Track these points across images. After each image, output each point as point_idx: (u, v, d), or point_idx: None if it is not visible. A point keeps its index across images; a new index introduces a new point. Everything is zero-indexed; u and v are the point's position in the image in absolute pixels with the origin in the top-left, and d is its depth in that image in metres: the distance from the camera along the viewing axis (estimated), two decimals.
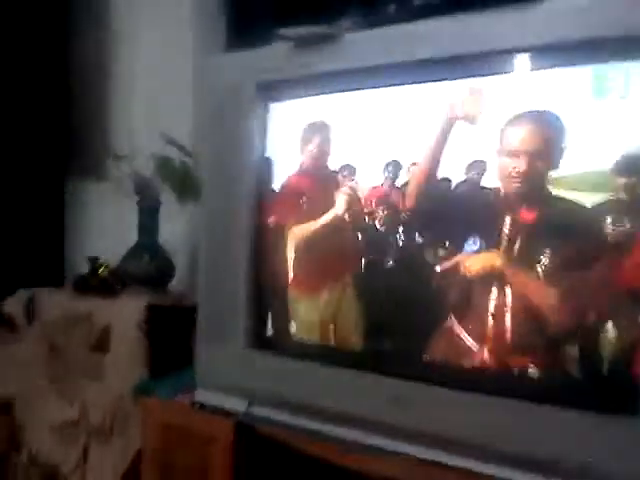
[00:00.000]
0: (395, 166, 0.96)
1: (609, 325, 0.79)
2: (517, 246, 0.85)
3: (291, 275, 1.06)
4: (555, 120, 0.83)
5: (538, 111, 0.85)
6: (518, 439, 0.83)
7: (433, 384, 0.90)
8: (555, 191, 0.83)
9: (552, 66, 0.84)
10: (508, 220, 0.86)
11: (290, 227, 1.05)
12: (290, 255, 1.06)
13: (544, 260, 0.83)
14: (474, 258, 0.88)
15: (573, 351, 0.82)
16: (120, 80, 1.85)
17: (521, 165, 0.85)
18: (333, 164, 1.02)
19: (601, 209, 0.80)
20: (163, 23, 1.73)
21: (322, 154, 1.02)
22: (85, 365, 1.35)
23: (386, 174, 0.97)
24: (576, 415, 0.79)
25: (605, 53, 0.79)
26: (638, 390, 0.75)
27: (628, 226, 0.78)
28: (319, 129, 1.03)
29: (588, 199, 0.81)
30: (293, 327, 1.06)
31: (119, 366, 1.30)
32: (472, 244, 0.88)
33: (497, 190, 0.87)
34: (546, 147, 0.84)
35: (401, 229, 0.96)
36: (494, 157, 0.87)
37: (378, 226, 0.99)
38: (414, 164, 0.94)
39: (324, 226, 1.02)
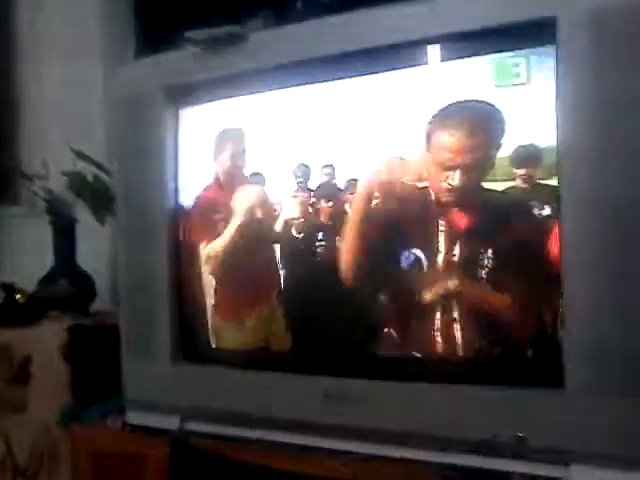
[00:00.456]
0: (305, 169, 0.94)
1: (534, 304, 0.81)
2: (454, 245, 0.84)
3: (212, 296, 1.04)
4: (486, 110, 0.82)
5: (463, 103, 0.83)
6: (453, 423, 0.83)
7: (365, 378, 0.90)
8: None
9: (456, 57, 0.85)
10: (442, 223, 0.84)
11: (205, 243, 1.03)
12: (208, 272, 1.03)
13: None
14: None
15: (503, 331, 0.83)
16: (28, 97, 1.78)
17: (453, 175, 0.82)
18: (243, 172, 1.00)
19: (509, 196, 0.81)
20: (70, 35, 1.67)
21: (233, 162, 1.00)
22: (6, 399, 1.28)
23: (298, 178, 0.95)
24: (509, 392, 0.80)
25: (505, 41, 0.81)
26: (563, 364, 0.76)
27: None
28: (229, 136, 1.00)
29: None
30: (219, 339, 1.04)
31: (42, 396, 1.23)
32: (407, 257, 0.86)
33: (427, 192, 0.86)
34: (478, 149, 0.82)
35: (321, 234, 0.95)
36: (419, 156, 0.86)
37: (295, 234, 0.97)
38: (327, 166, 0.93)
39: (236, 239, 0.99)
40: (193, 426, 1.04)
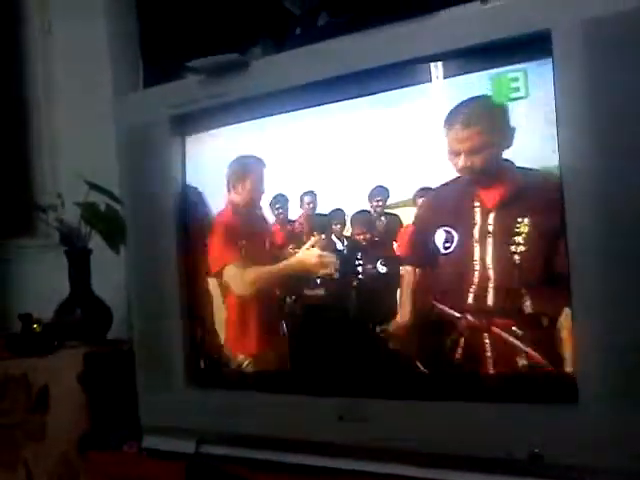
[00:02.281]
0: (312, 195, 0.95)
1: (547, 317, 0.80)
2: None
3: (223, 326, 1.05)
4: (489, 102, 0.83)
5: (467, 101, 0.84)
6: (468, 441, 0.83)
7: (378, 398, 0.90)
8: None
9: (454, 74, 0.86)
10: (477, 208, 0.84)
11: (216, 270, 1.04)
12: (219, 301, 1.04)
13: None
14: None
15: (512, 345, 0.82)
16: (41, 130, 1.81)
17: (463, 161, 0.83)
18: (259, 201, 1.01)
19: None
20: (82, 67, 1.71)
21: (251, 191, 1.01)
22: (25, 428, 1.29)
23: (305, 204, 0.96)
24: (523, 409, 0.80)
25: (502, 56, 0.82)
26: (576, 380, 0.76)
27: None
28: (249, 164, 1.01)
29: None
30: (233, 362, 1.04)
31: (61, 424, 1.24)
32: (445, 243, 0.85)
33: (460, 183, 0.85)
34: (493, 129, 0.83)
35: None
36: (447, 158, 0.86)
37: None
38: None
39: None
40: (209, 449, 1.04)
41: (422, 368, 0.88)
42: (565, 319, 0.78)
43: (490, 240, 0.82)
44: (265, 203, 1.00)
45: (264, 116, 0.99)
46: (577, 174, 0.76)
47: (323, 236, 0.95)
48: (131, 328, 1.16)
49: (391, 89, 0.90)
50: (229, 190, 1.02)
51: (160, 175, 1.06)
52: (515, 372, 0.82)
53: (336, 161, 0.93)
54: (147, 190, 1.08)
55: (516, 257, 0.81)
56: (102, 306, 1.49)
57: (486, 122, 0.84)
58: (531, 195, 0.81)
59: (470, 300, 0.84)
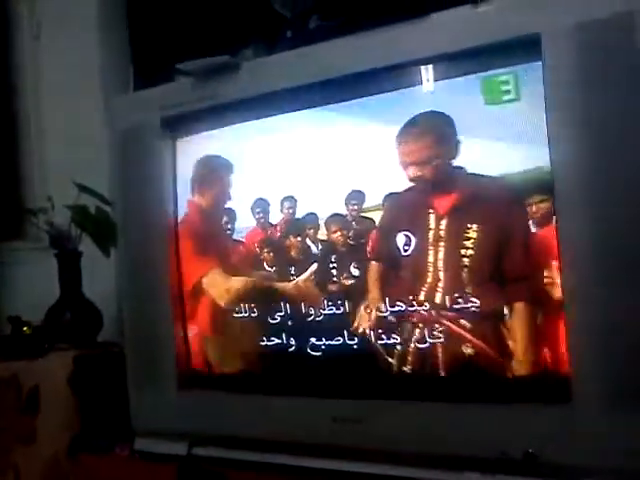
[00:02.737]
0: (291, 200, 0.96)
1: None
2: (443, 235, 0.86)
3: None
4: (438, 118, 0.85)
5: (424, 114, 0.87)
6: (462, 441, 0.83)
7: (372, 399, 0.90)
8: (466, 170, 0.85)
9: (445, 77, 0.87)
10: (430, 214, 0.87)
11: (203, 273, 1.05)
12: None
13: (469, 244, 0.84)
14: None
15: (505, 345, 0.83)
16: (30, 133, 1.81)
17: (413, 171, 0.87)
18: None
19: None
20: (72, 69, 1.70)
21: (220, 193, 1.02)
22: (15, 430, 1.28)
23: (285, 209, 0.97)
24: (517, 409, 0.80)
25: (493, 59, 0.82)
26: (569, 379, 0.76)
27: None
28: (218, 166, 1.02)
29: None
30: (223, 364, 1.04)
31: (51, 426, 1.24)
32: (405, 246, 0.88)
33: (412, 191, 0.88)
34: (441, 141, 0.86)
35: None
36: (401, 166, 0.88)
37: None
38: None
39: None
40: (201, 451, 1.04)
41: (409, 369, 0.89)
42: (517, 316, 0.80)
43: (442, 244, 0.86)
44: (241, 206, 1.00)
45: (255, 118, 0.99)
46: (568, 175, 0.77)
47: (299, 238, 0.97)
48: (122, 330, 1.15)
49: (382, 92, 0.90)
50: (194, 193, 1.03)
51: (151, 177, 1.06)
52: (507, 370, 0.83)
53: (323, 165, 0.94)
54: (138, 192, 1.07)
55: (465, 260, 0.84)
56: (92, 309, 1.48)
57: (433, 136, 0.87)
58: (482, 200, 0.84)
59: (434, 299, 0.86)
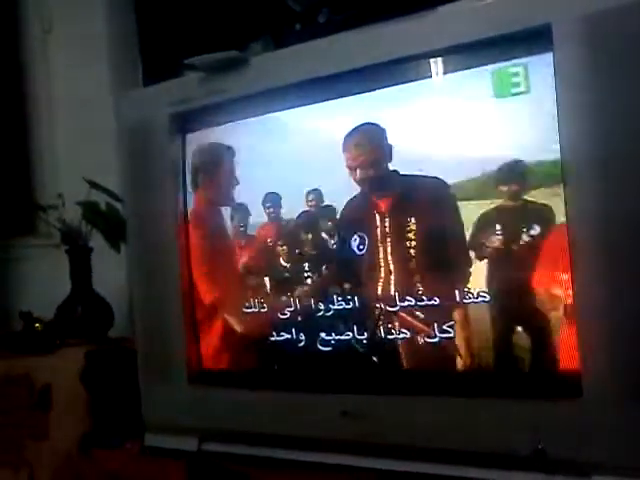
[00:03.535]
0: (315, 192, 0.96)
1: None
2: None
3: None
4: (375, 127, 0.89)
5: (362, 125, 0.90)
6: (472, 437, 0.83)
7: (381, 394, 0.90)
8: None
9: (455, 70, 0.86)
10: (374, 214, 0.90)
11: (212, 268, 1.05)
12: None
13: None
14: None
15: (516, 342, 0.83)
16: (42, 129, 1.82)
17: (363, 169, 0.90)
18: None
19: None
20: (82, 65, 1.71)
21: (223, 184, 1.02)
22: (27, 427, 1.29)
23: (309, 202, 0.96)
24: (527, 404, 0.80)
25: (503, 51, 0.81)
26: (581, 374, 0.76)
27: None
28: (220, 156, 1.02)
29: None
30: (233, 360, 1.04)
31: (63, 422, 1.24)
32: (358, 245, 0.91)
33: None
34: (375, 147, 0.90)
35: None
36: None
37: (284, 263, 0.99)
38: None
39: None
40: (211, 447, 1.04)
41: (419, 364, 0.89)
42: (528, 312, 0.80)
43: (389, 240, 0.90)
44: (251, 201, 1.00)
45: (264, 113, 0.99)
46: (578, 168, 0.76)
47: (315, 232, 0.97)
48: (133, 326, 1.16)
49: (391, 85, 0.89)
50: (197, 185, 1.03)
51: (160, 173, 1.06)
52: (517, 366, 0.82)
53: (333, 158, 0.93)
54: (147, 188, 1.07)
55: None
56: (103, 304, 1.49)
57: (371, 142, 0.91)
58: (416, 196, 0.89)
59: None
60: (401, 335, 0.89)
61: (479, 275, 0.84)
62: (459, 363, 0.85)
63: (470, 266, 0.84)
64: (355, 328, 0.93)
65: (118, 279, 1.55)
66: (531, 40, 0.79)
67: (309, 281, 0.97)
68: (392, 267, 0.89)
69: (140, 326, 1.11)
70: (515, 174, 0.81)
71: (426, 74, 0.87)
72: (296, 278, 0.98)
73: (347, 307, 0.93)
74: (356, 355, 0.93)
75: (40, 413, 1.28)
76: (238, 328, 1.03)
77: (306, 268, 0.98)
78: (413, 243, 0.88)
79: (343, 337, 0.94)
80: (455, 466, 0.85)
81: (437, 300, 0.86)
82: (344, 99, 0.93)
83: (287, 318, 0.98)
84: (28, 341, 1.39)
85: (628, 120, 0.73)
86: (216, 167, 1.05)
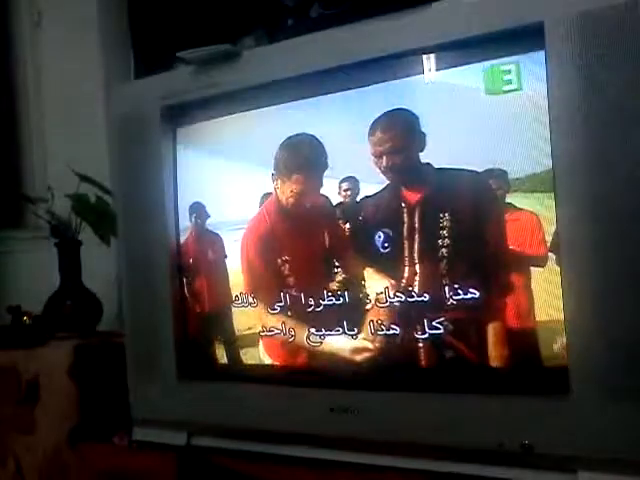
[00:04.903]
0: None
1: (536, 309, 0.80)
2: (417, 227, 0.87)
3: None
4: (407, 114, 0.86)
5: (391, 111, 0.87)
6: (459, 432, 0.83)
7: (369, 390, 0.90)
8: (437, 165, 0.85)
9: (447, 66, 0.86)
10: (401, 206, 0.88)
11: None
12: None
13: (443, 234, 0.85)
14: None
15: (503, 340, 0.83)
16: (31, 122, 1.81)
17: (391, 158, 0.87)
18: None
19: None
20: (72, 57, 1.70)
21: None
22: (15, 420, 1.28)
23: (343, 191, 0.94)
24: (514, 400, 0.80)
25: (495, 48, 0.81)
26: (568, 370, 0.76)
27: None
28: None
29: None
30: (222, 355, 1.04)
31: (51, 416, 1.24)
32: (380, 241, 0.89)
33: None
34: (406, 136, 0.87)
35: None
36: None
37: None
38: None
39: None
40: (200, 441, 1.04)
41: (406, 361, 0.89)
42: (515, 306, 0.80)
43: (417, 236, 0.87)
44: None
45: (256, 108, 0.99)
46: (570, 166, 0.76)
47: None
48: (122, 320, 1.15)
49: (382, 82, 0.89)
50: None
51: (151, 166, 1.05)
52: (504, 362, 0.83)
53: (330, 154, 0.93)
54: (138, 182, 1.07)
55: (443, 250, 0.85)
56: (92, 298, 1.48)
57: (402, 128, 0.87)
58: (449, 193, 0.85)
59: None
60: (390, 331, 0.89)
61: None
62: (445, 360, 0.86)
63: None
64: (345, 324, 0.93)
65: (107, 273, 1.55)
66: (523, 38, 0.79)
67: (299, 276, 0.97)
68: (417, 266, 0.87)
69: (129, 320, 1.11)
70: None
71: (418, 71, 0.87)
72: (287, 273, 0.98)
73: (337, 303, 0.93)
74: (348, 351, 0.93)
75: (27, 407, 1.27)
76: (227, 323, 1.03)
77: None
78: (446, 241, 0.85)
79: (334, 333, 0.94)
80: (442, 461, 0.85)
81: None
82: (335, 95, 0.92)
83: (277, 312, 0.98)
84: (16, 335, 1.39)
85: (619, 118, 0.73)
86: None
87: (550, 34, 0.77)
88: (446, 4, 0.85)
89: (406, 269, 0.87)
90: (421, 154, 0.86)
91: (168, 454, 1.04)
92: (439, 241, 0.85)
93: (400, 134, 0.88)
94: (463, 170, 0.84)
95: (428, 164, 0.86)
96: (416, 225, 0.87)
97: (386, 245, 0.89)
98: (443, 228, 0.85)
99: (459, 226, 0.84)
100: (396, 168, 0.88)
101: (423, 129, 0.85)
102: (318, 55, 0.92)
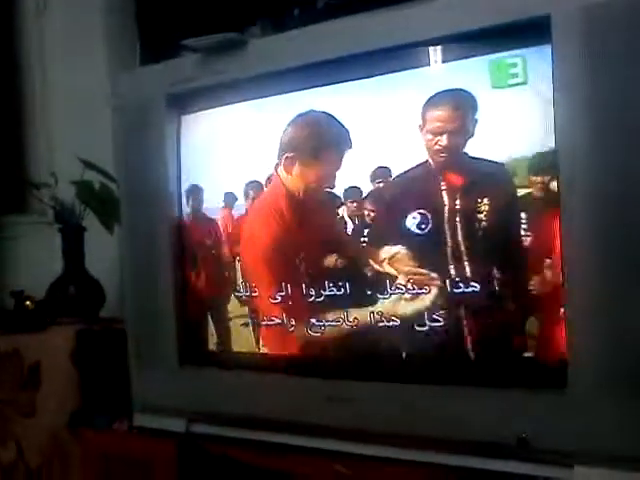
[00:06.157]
0: None
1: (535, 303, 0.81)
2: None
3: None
4: (466, 96, 0.84)
5: (450, 90, 0.85)
6: (456, 425, 0.83)
7: (366, 380, 0.90)
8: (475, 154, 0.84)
9: (453, 59, 0.86)
10: (443, 187, 0.86)
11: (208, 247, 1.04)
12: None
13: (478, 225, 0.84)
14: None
15: (501, 329, 0.83)
16: (36, 107, 1.81)
17: (443, 139, 0.85)
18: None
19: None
20: (77, 45, 1.70)
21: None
22: (16, 403, 1.29)
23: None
24: (512, 394, 0.80)
25: (501, 41, 0.81)
26: (566, 364, 0.76)
27: None
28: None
29: None
30: (223, 342, 1.05)
31: (52, 400, 1.25)
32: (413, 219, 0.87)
33: (427, 164, 0.87)
34: (459, 120, 0.85)
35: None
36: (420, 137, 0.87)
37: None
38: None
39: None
40: (199, 428, 1.05)
41: (405, 352, 0.89)
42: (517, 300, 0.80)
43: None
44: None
45: (261, 97, 0.99)
46: (574, 159, 0.76)
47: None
48: (124, 306, 1.16)
49: (388, 73, 0.89)
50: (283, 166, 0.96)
51: (155, 154, 1.05)
52: (502, 355, 0.83)
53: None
54: (142, 169, 1.07)
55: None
56: (95, 284, 1.49)
57: (461, 110, 0.85)
58: (483, 182, 0.84)
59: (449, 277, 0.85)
60: (390, 323, 0.89)
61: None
62: (443, 351, 0.86)
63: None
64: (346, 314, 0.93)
65: (110, 259, 1.55)
66: (530, 31, 0.78)
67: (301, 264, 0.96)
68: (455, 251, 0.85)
69: (130, 307, 1.11)
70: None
71: (424, 62, 0.87)
72: (289, 261, 0.97)
73: (338, 293, 0.94)
74: (348, 341, 0.93)
75: (29, 391, 1.28)
76: (228, 311, 1.04)
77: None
78: (483, 224, 0.84)
79: (334, 323, 0.94)
80: (438, 453, 0.85)
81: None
82: (340, 85, 0.92)
83: (277, 302, 0.98)
84: (19, 319, 1.39)
85: (625, 113, 0.73)
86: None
87: (557, 28, 0.76)
88: None
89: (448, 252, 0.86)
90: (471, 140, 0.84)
91: (167, 441, 1.05)
92: (477, 225, 0.84)
93: (464, 115, 0.85)
94: (492, 162, 0.83)
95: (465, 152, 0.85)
96: (458, 208, 0.85)
97: (423, 227, 0.88)
98: (481, 213, 0.84)
99: (493, 216, 0.83)
100: (449, 150, 0.86)
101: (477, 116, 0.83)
102: (323, 45, 0.92)
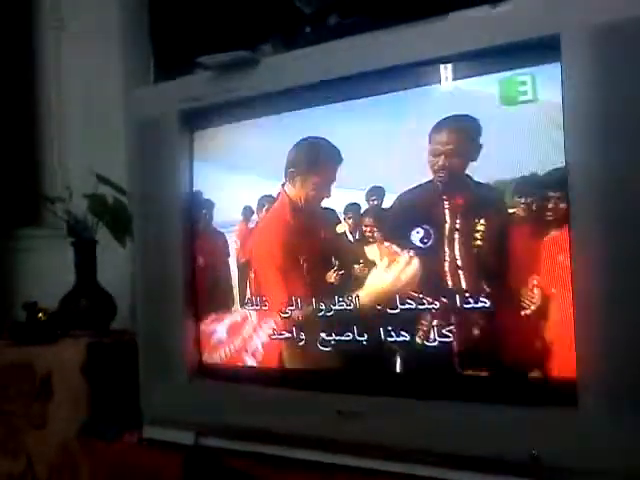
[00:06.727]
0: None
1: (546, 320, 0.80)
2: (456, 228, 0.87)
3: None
4: (471, 122, 0.85)
5: (455, 116, 0.87)
6: (467, 441, 0.83)
7: (377, 395, 0.90)
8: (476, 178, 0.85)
9: (463, 77, 0.87)
10: (444, 206, 0.88)
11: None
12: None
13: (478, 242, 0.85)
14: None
15: (512, 348, 0.83)
16: (51, 122, 1.83)
17: (442, 160, 0.87)
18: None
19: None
20: (93, 61, 1.72)
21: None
22: (27, 415, 1.30)
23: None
24: (523, 411, 0.80)
25: (511, 59, 0.82)
26: (577, 383, 0.76)
27: None
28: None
29: None
30: (233, 356, 1.05)
31: (62, 412, 1.25)
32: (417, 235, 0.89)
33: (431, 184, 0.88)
34: (462, 144, 0.86)
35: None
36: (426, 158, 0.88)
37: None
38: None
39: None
40: (208, 442, 1.05)
41: (416, 367, 0.89)
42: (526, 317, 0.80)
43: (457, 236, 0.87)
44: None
45: (271, 114, 1.00)
46: (584, 178, 0.76)
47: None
48: (135, 319, 1.17)
49: (399, 90, 0.90)
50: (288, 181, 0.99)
51: (167, 169, 1.07)
52: (513, 373, 0.83)
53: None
54: (154, 184, 1.08)
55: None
56: (107, 297, 1.50)
57: (464, 134, 0.86)
58: (484, 205, 0.85)
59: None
60: (400, 338, 0.89)
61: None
62: (455, 368, 0.86)
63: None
64: (356, 329, 0.93)
65: (122, 273, 1.56)
66: (539, 50, 0.79)
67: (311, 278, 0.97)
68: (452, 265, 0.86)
69: (142, 320, 1.12)
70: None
71: (434, 81, 0.88)
72: (299, 275, 0.98)
73: (348, 308, 0.94)
74: (357, 355, 0.93)
75: (41, 402, 1.29)
76: (238, 325, 1.04)
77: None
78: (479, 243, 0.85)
79: (344, 338, 0.94)
80: (449, 469, 0.85)
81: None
82: (350, 102, 0.93)
83: (288, 316, 0.99)
84: (31, 331, 1.41)
85: (635, 131, 0.73)
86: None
87: (566, 46, 0.77)
88: (463, 15, 0.86)
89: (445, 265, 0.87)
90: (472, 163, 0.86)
91: (176, 453, 1.05)
92: (475, 243, 0.85)
93: (464, 139, 0.87)
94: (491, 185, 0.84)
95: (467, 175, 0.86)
96: (457, 226, 0.86)
97: (425, 241, 0.89)
98: (478, 232, 0.85)
99: (490, 234, 0.85)
100: (448, 170, 0.87)
101: (481, 141, 0.85)
102: (335, 63, 0.93)
